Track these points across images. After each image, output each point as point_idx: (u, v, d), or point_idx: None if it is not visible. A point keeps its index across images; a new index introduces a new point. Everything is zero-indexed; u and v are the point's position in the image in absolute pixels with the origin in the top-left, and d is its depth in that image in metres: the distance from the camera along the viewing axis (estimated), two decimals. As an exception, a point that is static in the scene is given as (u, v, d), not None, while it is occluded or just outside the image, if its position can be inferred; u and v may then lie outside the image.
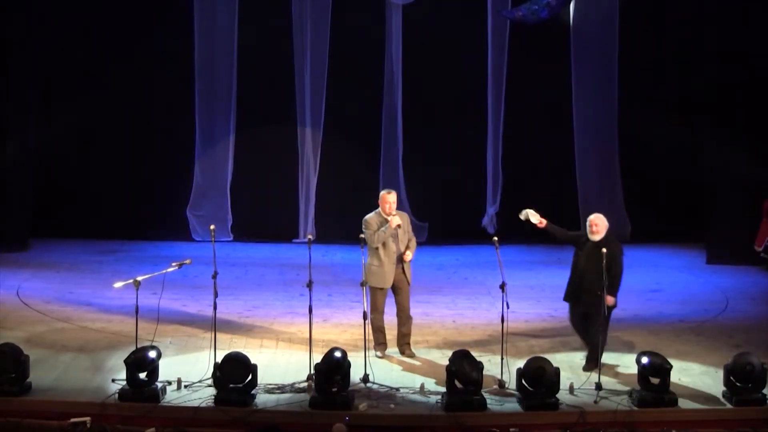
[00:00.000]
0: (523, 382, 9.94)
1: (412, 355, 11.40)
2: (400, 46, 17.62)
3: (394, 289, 11.40)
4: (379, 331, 11.41)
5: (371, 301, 11.32)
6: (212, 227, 11.20)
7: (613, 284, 10.65)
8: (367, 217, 11.36)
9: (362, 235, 11.04)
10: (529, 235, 17.57)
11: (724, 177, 16.14)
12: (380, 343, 11.42)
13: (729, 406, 10.00)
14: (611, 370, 10.82)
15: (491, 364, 10.74)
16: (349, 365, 10.02)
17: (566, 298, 11.14)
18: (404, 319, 11.47)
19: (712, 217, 16.55)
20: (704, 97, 16.65)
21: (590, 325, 10.84)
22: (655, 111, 17.67)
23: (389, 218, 11.19)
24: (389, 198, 11.27)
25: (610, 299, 10.64)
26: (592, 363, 10.72)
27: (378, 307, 11.36)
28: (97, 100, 17.47)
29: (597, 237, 10.81)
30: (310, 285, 10.71)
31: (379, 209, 11.34)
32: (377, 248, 11.23)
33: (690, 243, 17.57)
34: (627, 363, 10.88)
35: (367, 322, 10.70)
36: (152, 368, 10.01)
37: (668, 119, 17.59)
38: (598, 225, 10.83)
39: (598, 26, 17.79)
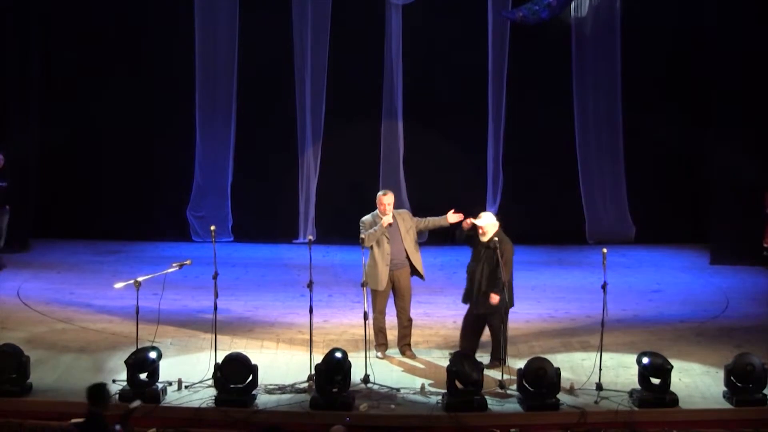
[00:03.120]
0: (524, 382, 9.95)
1: (412, 357, 11.41)
2: (400, 46, 17.60)
3: (395, 291, 11.40)
4: (380, 332, 11.41)
5: (372, 302, 11.34)
6: (213, 228, 11.18)
7: (497, 283, 10.79)
8: (364, 217, 11.40)
9: (362, 236, 11.04)
10: (529, 235, 17.72)
11: (727, 177, 16.12)
12: (381, 344, 11.42)
13: (730, 406, 10.01)
14: (612, 370, 10.82)
15: (492, 365, 10.77)
16: (349, 366, 10.03)
17: (464, 300, 11.19)
18: (404, 321, 11.48)
19: (715, 217, 16.54)
20: (707, 97, 16.65)
21: (489, 324, 10.98)
22: (658, 111, 17.66)
23: (382, 218, 11.20)
24: (385, 199, 11.29)
25: (494, 297, 10.78)
26: (496, 361, 10.86)
27: (378, 308, 11.37)
28: (98, 100, 17.48)
29: (485, 238, 10.95)
30: (310, 285, 10.72)
31: (376, 211, 11.35)
32: (372, 249, 11.25)
33: (693, 244, 17.58)
34: (627, 363, 10.89)
35: (367, 322, 10.71)
36: (153, 369, 10.03)
37: (671, 119, 17.59)
38: (483, 227, 10.94)
39: (599, 26, 17.75)
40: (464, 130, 17.90)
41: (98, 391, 8.55)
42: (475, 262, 11.01)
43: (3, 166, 15.39)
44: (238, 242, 17.88)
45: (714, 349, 11.73)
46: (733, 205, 16.16)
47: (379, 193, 11.44)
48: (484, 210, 17.38)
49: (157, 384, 10.02)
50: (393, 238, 11.27)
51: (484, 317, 11.03)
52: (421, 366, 11.17)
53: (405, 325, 11.49)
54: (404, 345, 11.49)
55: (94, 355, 11.28)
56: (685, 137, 17.58)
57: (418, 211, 11.72)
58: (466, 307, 11.13)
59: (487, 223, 10.97)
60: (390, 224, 11.20)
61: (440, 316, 13.18)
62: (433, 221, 11.46)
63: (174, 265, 10.90)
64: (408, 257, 11.34)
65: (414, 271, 11.41)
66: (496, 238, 11.02)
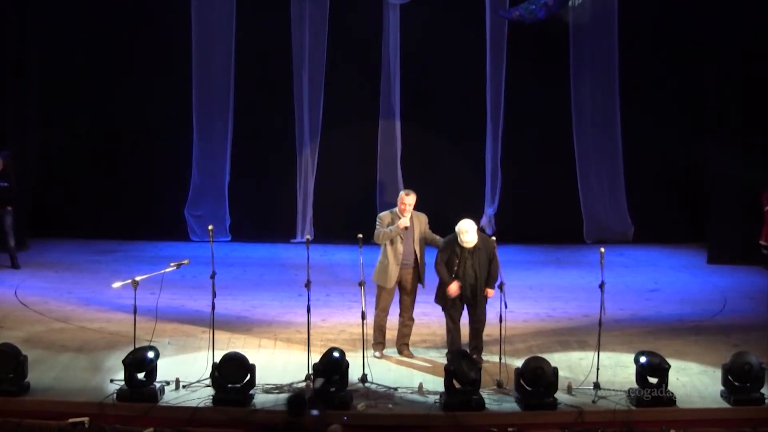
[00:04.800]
0: (522, 381, 9.95)
1: (410, 356, 11.42)
2: (397, 45, 17.59)
3: (401, 288, 11.45)
4: (379, 330, 11.43)
5: (377, 298, 11.37)
6: (210, 227, 11.17)
7: (494, 278, 10.98)
8: (382, 213, 11.45)
9: (360, 235, 11.02)
10: (527, 235, 17.73)
11: (725, 176, 16.12)
12: (379, 343, 11.43)
13: (727, 405, 10.01)
14: (609, 369, 10.83)
15: (489, 364, 10.77)
16: (347, 365, 10.03)
17: (441, 301, 11.28)
18: (407, 319, 11.52)
19: (713, 216, 16.55)
20: (705, 97, 16.65)
21: (480, 315, 11.08)
22: (656, 111, 17.67)
23: (400, 218, 11.19)
24: (407, 200, 11.29)
25: (491, 292, 10.97)
26: (479, 353, 11.03)
27: (382, 305, 11.42)
28: (96, 100, 17.48)
29: (472, 243, 10.97)
30: (308, 285, 10.71)
31: (396, 208, 11.36)
32: (385, 246, 11.27)
33: (691, 243, 17.59)
34: (625, 362, 10.89)
35: (365, 322, 10.71)
36: (150, 368, 10.02)
37: (669, 118, 17.61)
38: (468, 232, 10.95)
39: (596, 25, 17.74)
40: (462, 130, 17.89)
41: (298, 402, 8.57)
42: (462, 268, 11.00)
43: (3, 168, 15.34)
44: (235, 242, 17.88)
45: (712, 349, 11.74)
46: (730, 205, 16.17)
47: (402, 192, 11.44)
48: (483, 211, 17.85)
49: (155, 383, 10.01)
50: (406, 239, 11.31)
51: (460, 313, 11.19)
52: (419, 365, 11.17)
53: (407, 324, 11.53)
54: (402, 344, 11.51)
55: (91, 354, 11.27)
56: (683, 137, 17.59)
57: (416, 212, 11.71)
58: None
59: (471, 228, 11.00)
60: (406, 227, 11.21)
61: (438, 316, 13.11)
62: (437, 240, 11.43)
63: (172, 264, 10.89)
64: (416, 260, 11.40)
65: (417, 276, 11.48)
66: (493, 238, 11.21)
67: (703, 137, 16.74)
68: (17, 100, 16.62)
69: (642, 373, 10.03)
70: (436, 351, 11.59)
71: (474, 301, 11.04)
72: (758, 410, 9.92)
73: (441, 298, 11.24)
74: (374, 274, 11.35)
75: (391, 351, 11.50)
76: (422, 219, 11.45)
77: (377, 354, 11.36)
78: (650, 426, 9.69)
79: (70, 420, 9.50)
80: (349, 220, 16.23)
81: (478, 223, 17.48)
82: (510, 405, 9.98)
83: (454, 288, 10.97)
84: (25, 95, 16.73)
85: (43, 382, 10.28)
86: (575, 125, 18.01)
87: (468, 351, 10.82)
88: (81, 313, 13.01)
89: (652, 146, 17.83)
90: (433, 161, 17.75)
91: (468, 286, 11.02)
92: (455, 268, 11.02)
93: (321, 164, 17.83)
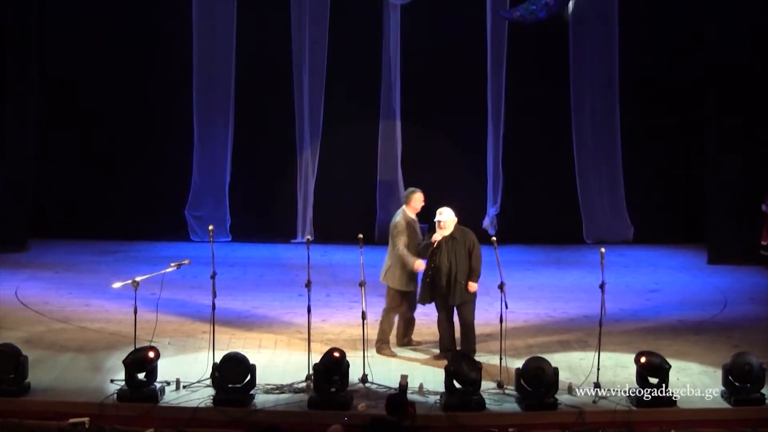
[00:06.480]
0: (522, 382, 9.95)
1: (418, 343, 11.67)
2: (398, 45, 17.58)
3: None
4: (390, 329, 11.57)
5: (393, 300, 11.47)
6: (211, 227, 11.19)
7: (474, 272, 11.06)
8: (399, 221, 11.42)
9: (360, 235, 11.02)
10: (527, 235, 17.73)
11: (725, 177, 16.12)
12: (386, 342, 11.56)
13: (728, 405, 10.01)
14: (610, 369, 10.83)
15: (489, 364, 10.77)
16: (347, 365, 10.04)
17: (427, 301, 11.35)
18: (411, 318, 11.68)
19: (713, 217, 16.54)
20: (704, 97, 16.64)
21: (462, 315, 11.17)
22: (656, 111, 17.68)
23: (432, 239, 11.17)
24: (422, 199, 11.53)
25: (472, 286, 11.04)
26: (473, 350, 11.08)
27: (395, 306, 11.53)
28: (96, 100, 17.50)
29: (446, 232, 11.09)
30: (308, 285, 10.72)
31: (404, 208, 11.47)
32: (406, 256, 11.34)
33: (691, 243, 17.58)
34: (626, 363, 10.89)
35: (365, 322, 10.72)
36: (151, 368, 10.02)
37: (669, 119, 17.62)
38: (440, 213, 11.11)
39: (597, 25, 17.76)
40: (463, 130, 17.89)
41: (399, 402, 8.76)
42: (443, 257, 11.08)
43: None
44: (236, 242, 17.88)
45: (712, 349, 11.74)
46: (730, 205, 16.16)
47: (418, 193, 11.57)
48: (485, 212, 17.84)
49: (155, 384, 10.01)
50: (411, 242, 11.49)
51: (452, 310, 11.25)
52: (419, 365, 11.17)
53: (413, 317, 11.71)
54: (408, 336, 11.74)
55: (92, 354, 11.27)
56: (682, 137, 17.58)
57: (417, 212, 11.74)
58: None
59: (449, 218, 11.12)
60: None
61: (438, 316, 13.20)
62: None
63: (172, 264, 10.89)
64: None
65: None
66: (494, 238, 11.21)
67: (702, 137, 16.73)
68: (17, 100, 16.62)
69: (642, 373, 10.03)
70: (437, 351, 11.58)
71: (447, 290, 11.07)
72: (758, 410, 9.93)
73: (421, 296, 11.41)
74: (396, 281, 11.38)
75: (393, 349, 11.57)
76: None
77: (387, 352, 11.45)
78: (651, 426, 9.69)
79: (71, 420, 9.50)
80: (350, 221, 16.26)
81: (479, 223, 17.60)
82: (510, 405, 9.99)
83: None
84: (25, 95, 16.73)
85: (44, 382, 10.28)
86: (575, 125, 18.00)
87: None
88: (81, 314, 13.02)
89: (651, 146, 17.85)
90: (434, 161, 17.73)
91: (443, 276, 11.08)
92: (433, 256, 11.14)
93: (321, 164, 17.82)
